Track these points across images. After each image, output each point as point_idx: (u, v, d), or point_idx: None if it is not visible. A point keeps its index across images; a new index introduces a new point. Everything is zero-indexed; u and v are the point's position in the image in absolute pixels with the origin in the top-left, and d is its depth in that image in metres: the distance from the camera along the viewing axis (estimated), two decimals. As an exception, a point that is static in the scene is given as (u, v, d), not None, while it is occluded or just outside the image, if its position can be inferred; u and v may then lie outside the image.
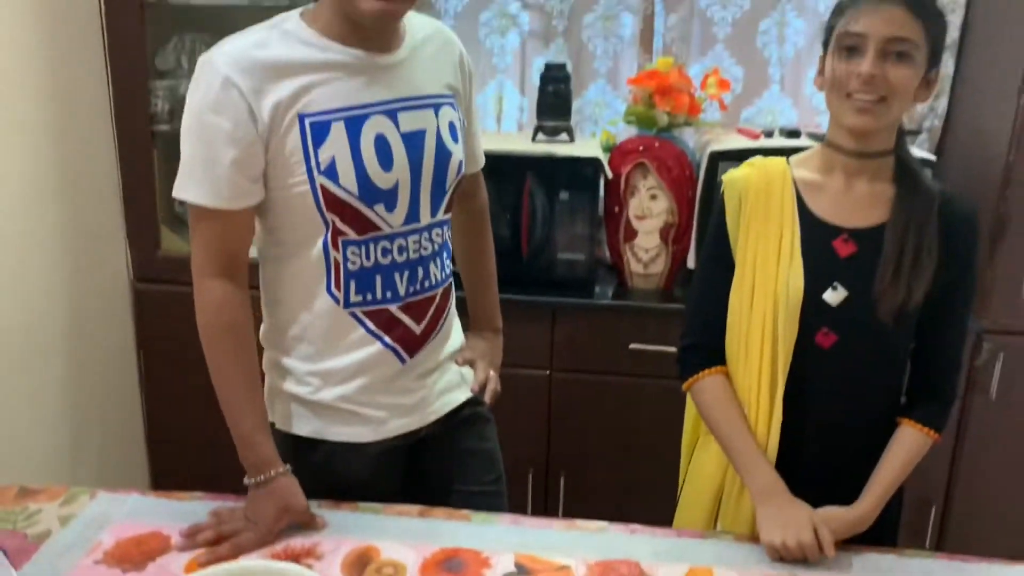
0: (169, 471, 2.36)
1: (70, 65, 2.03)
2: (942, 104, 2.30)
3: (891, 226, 1.25)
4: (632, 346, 2.07)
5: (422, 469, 1.44)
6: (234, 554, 1.19)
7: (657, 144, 2.10)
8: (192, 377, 2.18)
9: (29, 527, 1.24)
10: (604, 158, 2.12)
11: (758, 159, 1.37)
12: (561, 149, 2.12)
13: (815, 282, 1.28)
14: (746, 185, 1.33)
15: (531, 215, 2.10)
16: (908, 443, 1.31)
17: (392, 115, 1.25)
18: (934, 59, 1.24)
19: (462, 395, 1.45)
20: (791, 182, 1.32)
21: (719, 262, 1.36)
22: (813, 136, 2.11)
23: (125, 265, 2.23)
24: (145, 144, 2.13)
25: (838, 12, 1.26)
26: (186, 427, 2.26)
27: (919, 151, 2.17)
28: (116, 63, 2.08)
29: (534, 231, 2.11)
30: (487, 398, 1.50)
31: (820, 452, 1.32)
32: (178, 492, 1.34)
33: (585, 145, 2.20)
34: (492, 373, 1.52)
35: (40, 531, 1.23)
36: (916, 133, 2.31)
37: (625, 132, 2.28)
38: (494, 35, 2.41)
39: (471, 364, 1.49)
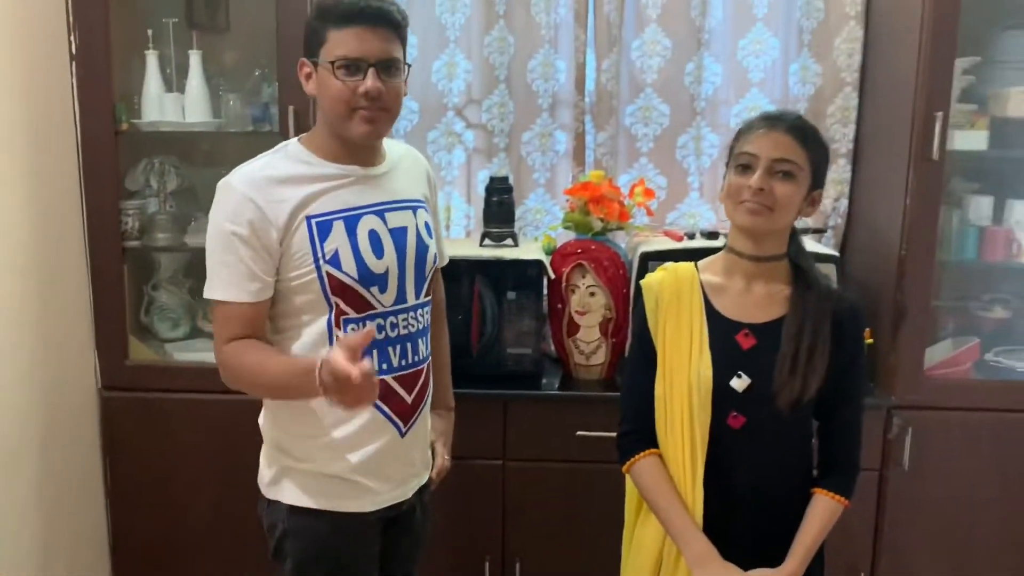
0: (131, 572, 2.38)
1: (48, 188, 2.16)
2: (843, 205, 2.57)
3: (787, 325, 1.45)
4: (579, 433, 2.20)
5: (390, 543, 1.58)
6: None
7: (593, 246, 2.30)
8: (157, 483, 2.26)
9: None
10: (546, 260, 2.30)
11: (670, 265, 1.59)
12: (507, 253, 2.31)
13: (722, 371, 1.46)
14: (660, 288, 1.54)
15: (481, 314, 2.26)
16: (821, 510, 1.49)
17: (381, 215, 1.51)
18: (816, 181, 1.47)
19: (427, 473, 1.66)
20: (699, 284, 1.53)
21: (643, 355, 1.55)
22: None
23: (94, 374, 2.31)
24: (116, 259, 2.24)
25: (737, 136, 1.50)
26: (149, 533, 2.31)
27: (825, 248, 2.41)
28: (90, 185, 2.22)
29: (484, 329, 2.27)
30: (435, 474, 1.71)
31: (745, 520, 1.49)
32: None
33: (528, 249, 2.38)
34: (446, 455, 1.75)
35: None
36: (822, 231, 2.56)
37: (564, 236, 2.47)
38: (442, 151, 2.61)
39: (432, 445, 1.68)
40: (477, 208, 2.62)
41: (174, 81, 2.31)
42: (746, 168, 1.44)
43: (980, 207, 2.31)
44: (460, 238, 2.63)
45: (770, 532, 1.49)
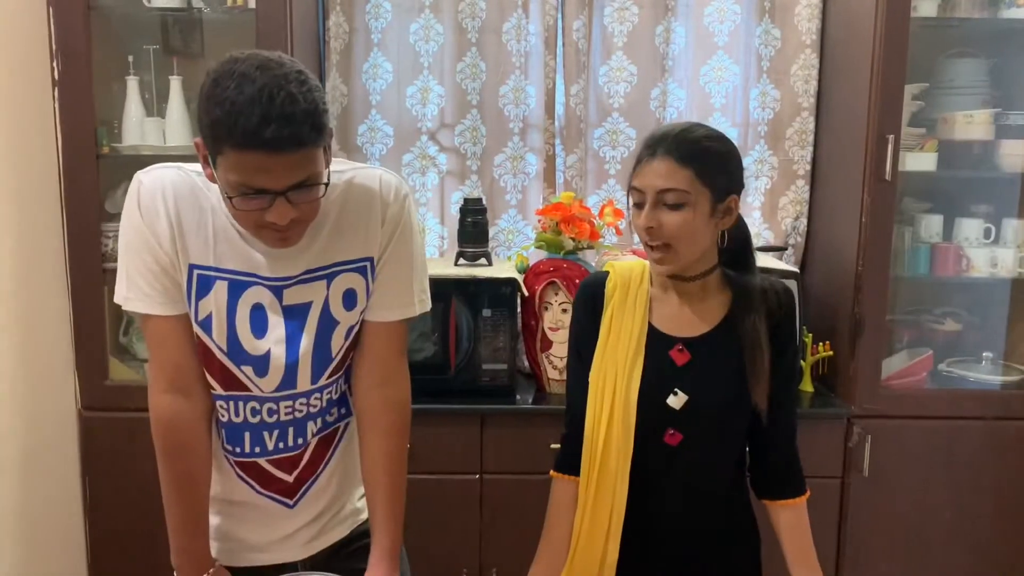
0: None
1: (30, 211, 2.19)
2: (802, 224, 2.68)
3: (728, 337, 1.40)
4: (553, 446, 2.22)
5: None
6: None
7: (565, 265, 2.37)
8: (135, 502, 2.28)
9: None
10: (520, 278, 2.37)
11: (621, 264, 1.50)
12: (481, 272, 2.37)
13: (658, 388, 1.40)
14: (615, 286, 1.46)
15: (457, 332, 2.33)
16: (796, 519, 1.46)
17: (277, 291, 1.28)
18: (721, 191, 1.34)
19: (345, 530, 1.48)
20: (647, 290, 1.44)
21: (580, 359, 1.48)
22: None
23: (74, 395, 2.33)
24: (96, 281, 2.27)
25: (634, 168, 1.38)
26: (128, 550, 2.33)
27: (786, 264, 2.52)
28: (71, 208, 2.25)
29: (460, 346, 2.33)
30: None
31: (672, 534, 1.46)
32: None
33: (502, 267, 2.45)
34: None
35: None
36: (783, 249, 2.67)
37: (536, 255, 2.55)
38: (416, 174, 2.68)
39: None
40: (451, 228, 2.69)
41: (154, 106, 2.36)
42: (638, 205, 1.36)
43: (931, 225, 2.43)
44: (434, 258, 2.70)
45: (696, 544, 1.48)
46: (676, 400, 1.39)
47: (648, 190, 1.33)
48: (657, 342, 1.42)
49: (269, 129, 1.07)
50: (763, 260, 2.47)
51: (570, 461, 1.47)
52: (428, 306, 1.40)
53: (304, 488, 1.40)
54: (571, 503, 1.47)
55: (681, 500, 1.43)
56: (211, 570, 1.36)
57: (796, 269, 2.47)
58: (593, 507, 1.44)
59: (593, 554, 1.44)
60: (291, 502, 1.40)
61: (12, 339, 2.14)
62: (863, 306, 2.30)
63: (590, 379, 1.44)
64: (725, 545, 1.48)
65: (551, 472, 1.51)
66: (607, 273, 1.48)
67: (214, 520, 1.41)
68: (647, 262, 1.45)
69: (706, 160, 1.33)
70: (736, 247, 1.43)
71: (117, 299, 1.30)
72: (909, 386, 2.40)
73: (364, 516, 1.48)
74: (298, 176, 1.13)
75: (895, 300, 2.46)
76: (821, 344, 2.43)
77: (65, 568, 2.36)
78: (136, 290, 1.27)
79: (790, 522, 1.45)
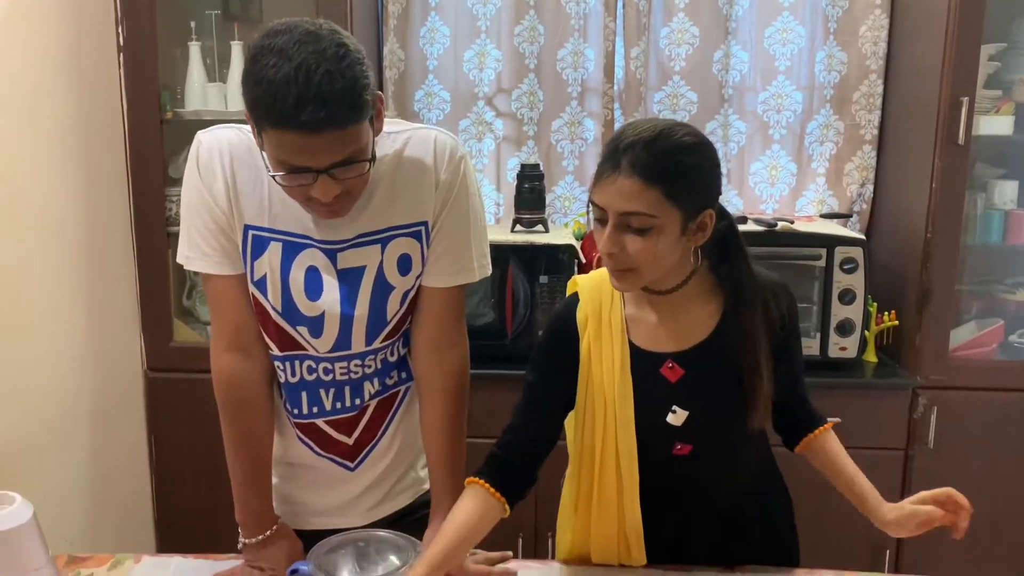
0: (172, 546, 2.40)
1: (97, 176, 2.23)
2: (868, 190, 2.61)
3: (725, 345, 1.27)
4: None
5: None
6: None
7: (623, 232, 2.35)
8: (198, 459, 2.34)
9: None
10: (577, 245, 2.36)
11: (588, 278, 1.35)
12: (538, 238, 2.36)
13: (654, 409, 1.28)
14: (588, 301, 1.32)
15: (513, 298, 2.32)
16: (835, 441, 1.40)
17: (331, 254, 1.27)
18: (695, 209, 1.18)
19: (408, 498, 1.48)
20: (620, 307, 1.31)
21: (556, 362, 1.33)
22: (759, 221, 2.38)
23: (140, 356, 2.38)
24: (161, 245, 2.30)
25: (596, 171, 1.21)
26: (190, 506, 2.39)
27: (852, 231, 2.46)
28: (136, 173, 2.28)
29: (517, 312, 2.33)
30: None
31: (700, 531, 1.39)
32: (215, 554, 1.49)
33: (559, 234, 2.44)
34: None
35: None
36: (847, 217, 2.61)
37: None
38: (472, 140, 2.66)
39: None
40: (506, 195, 2.68)
41: (216, 71, 2.38)
42: (600, 221, 1.20)
43: (1004, 191, 2.34)
44: (491, 225, 2.68)
45: (729, 536, 1.40)
46: (676, 417, 1.28)
47: (611, 210, 1.16)
48: (643, 362, 1.29)
49: (306, 111, 1.05)
50: (828, 227, 2.41)
51: (497, 478, 1.29)
52: (488, 271, 1.37)
53: (365, 452, 1.40)
54: (482, 514, 1.27)
55: (703, 497, 1.37)
56: (274, 527, 1.39)
57: (863, 236, 2.40)
58: (599, 530, 1.37)
59: (613, 546, 1.39)
60: (352, 464, 1.40)
61: (82, 303, 2.20)
62: (932, 274, 2.23)
63: (576, 411, 1.34)
64: (758, 515, 1.42)
65: (470, 479, 1.30)
66: (576, 301, 1.33)
67: (277, 483, 1.42)
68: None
69: (677, 177, 1.16)
70: (723, 245, 1.27)
71: (179, 259, 1.31)
72: (978, 357, 2.33)
73: (426, 486, 1.46)
74: (340, 155, 1.11)
75: (965, 269, 2.38)
76: (886, 313, 2.37)
77: (133, 522, 2.44)
78: (196, 250, 1.28)
79: (832, 445, 1.40)
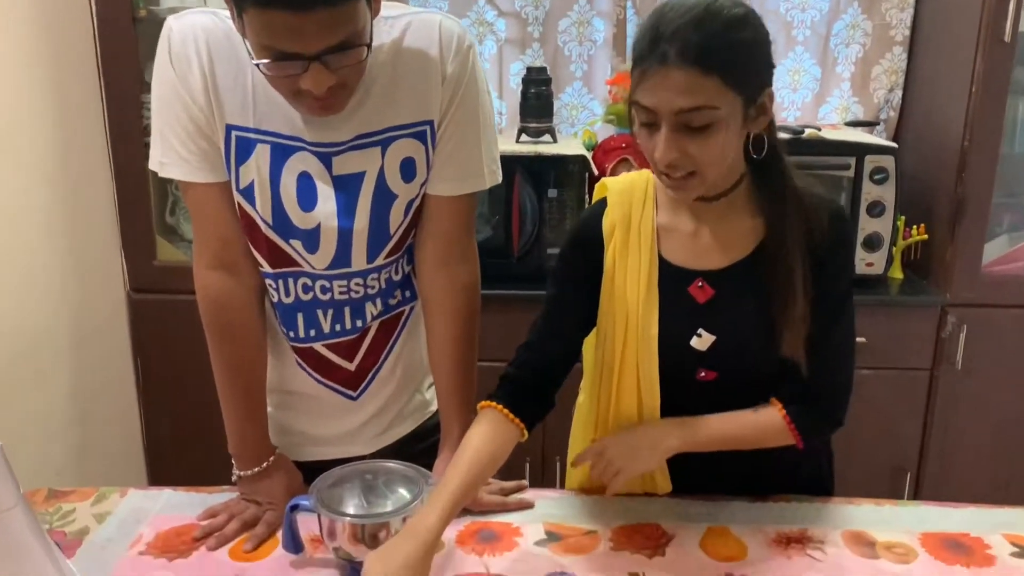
0: (165, 474, 2.37)
1: (66, 83, 2.05)
2: (897, 96, 2.45)
3: (761, 269, 1.14)
4: None
5: None
6: (267, 532, 1.23)
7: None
8: (187, 383, 2.23)
9: (65, 525, 1.27)
10: (588, 155, 2.20)
11: (617, 186, 1.21)
12: (547, 149, 2.20)
13: (679, 331, 1.18)
14: (617, 206, 1.19)
15: (520, 213, 2.18)
16: (759, 414, 1.20)
17: (325, 158, 1.14)
18: (756, 89, 1.05)
19: (414, 423, 1.39)
20: (652, 212, 1.18)
21: (579, 272, 1.22)
22: (784, 128, 2.22)
23: (121, 276, 2.25)
24: (138, 156, 2.13)
25: (633, 69, 1.05)
26: (181, 431, 2.29)
27: (880, 138, 2.31)
28: (109, 78, 2.10)
29: (524, 228, 2.19)
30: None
31: (724, 461, 1.26)
32: (208, 487, 1.39)
33: (568, 144, 2.28)
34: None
35: (78, 528, 1.26)
36: (874, 124, 2.45)
37: (604, 132, 2.37)
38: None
39: None
40: (510, 103, 2.51)
41: (192, -35, 2.17)
42: (649, 125, 1.04)
43: (1047, 95, 2.19)
44: (493, 135, 2.52)
45: (761, 465, 1.28)
46: (701, 342, 1.17)
47: (664, 111, 1.00)
48: (672, 278, 1.17)
49: None
50: (856, 136, 2.26)
51: (513, 402, 1.18)
52: (499, 177, 1.25)
53: (368, 378, 1.30)
54: (500, 441, 1.16)
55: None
56: (271, 458, 1.28)
57: (894, 144, 2.25)
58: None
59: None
60: (354, 393, 1.30)
61: (57, 223, 2.04)
62: (967, 185, 2.10)
63: (598, 327, 1.23)
64: (790, 461, 1.29)
65: (483, 403, 1.19)
66: (602, 207, 1.20)
67: (272, 412, 1.32)
68: (651, 177, 1.18)
69: (735, 58, 1.00)
70: (766, 154, 1.11)
71: (152, 165, 1.17)
72: (1010, 273, 2.21)
73: (433, 408, 1.39)
74: (333, 38, 0.97)
75: (996, 179, 2.24)
76: (915, 227, 2.24)
77: (122, 455, 2.34)
78: (172, 154, 1.14)
79: (751, 410, 1.20)
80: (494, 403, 1.17)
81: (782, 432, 1.19)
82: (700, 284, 1.17)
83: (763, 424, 1.20)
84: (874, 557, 1.20)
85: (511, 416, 1.17)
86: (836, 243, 1.14)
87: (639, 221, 1.18)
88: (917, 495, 2.23)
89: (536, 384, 1.22)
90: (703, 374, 1.20)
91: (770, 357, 1.17)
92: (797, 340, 1.13)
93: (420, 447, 1.37)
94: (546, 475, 2.28)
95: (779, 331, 1.13)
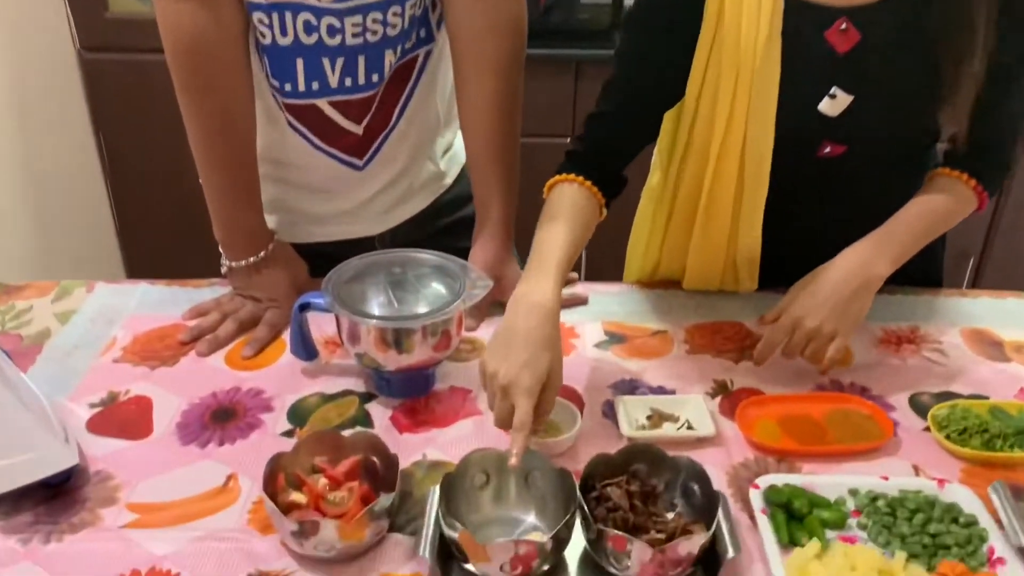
0: (143, 261, 2.18)
1: None
2: None
3: (926, 6, 0.88)
4: None
5: None
6: (270, 333, 1.04)
7: None
8: (160, 158, 1.96)
9: (21, 327, 1.06)
10: None
11: None
12: None
13: (807, 90, 0.94)
14: None
15: (546, -46, 1.84)
16: (936, 194, 0.97)
17: None
18: None
19: (428, 197, 1.18)
20: None
21: (671, 16, 0.95)
22: None
23: (70, 33, 1.93)
24: None
25: None
26: (157, 210, 2.08)
27: None
28: None
29: (550, -25, 1.86)
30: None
31: (825, 255, 0.99)
32: (192, 280, 1.16)
33: None
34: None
35: (37, 331, 1.05)
36: None
37: None
38: None
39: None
40: None
41: None
42: None
43: None
44: None
45: None
46: (833, 105, 0.94)
47: None
48: (802, 18, 0.92)
49: None
50: None
51: (591, 177, 0.96)
52: None
53: (377, 143, 1.08)
54: (590, 213, 0.96)
55: (844, 212, 1.02)
56: (270, 246, 1.05)
57: None
58: (701, 252, 1.07)
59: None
60: (360, 162, 1.09)
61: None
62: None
63: (690, 93, 0.97)
64: None
65: (555, 179, 0.97)
66: None
67: (264, 188, 1.07)
68: None
69: None
70: None
71: None
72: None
73: (448, 181, 1.20)
74: None
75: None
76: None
77: (94, 246, 2.13)
78: None
79: (926, 192, 0.97)
80: (572, 175, 0.95)
81: (968, 201, 0.97)
82: (843, 26, 0.91)
83: (952, 202, 0.96)
84: (1003, 360, 1.03)
85: (594, 189, 0.95)
86: None
87: None
88: (977, 283, 2.06)
89: (610, 162, 0.99)
90: (828, 149, 0.97)
91: (920, 125, 0.95)
92: (966, 101, 0.89)
93: (435, 228, 1.18)
94: (595, 267, 2.07)
95: (945, 89, 0.89)
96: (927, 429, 0.89)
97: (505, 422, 0.78)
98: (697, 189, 1.02)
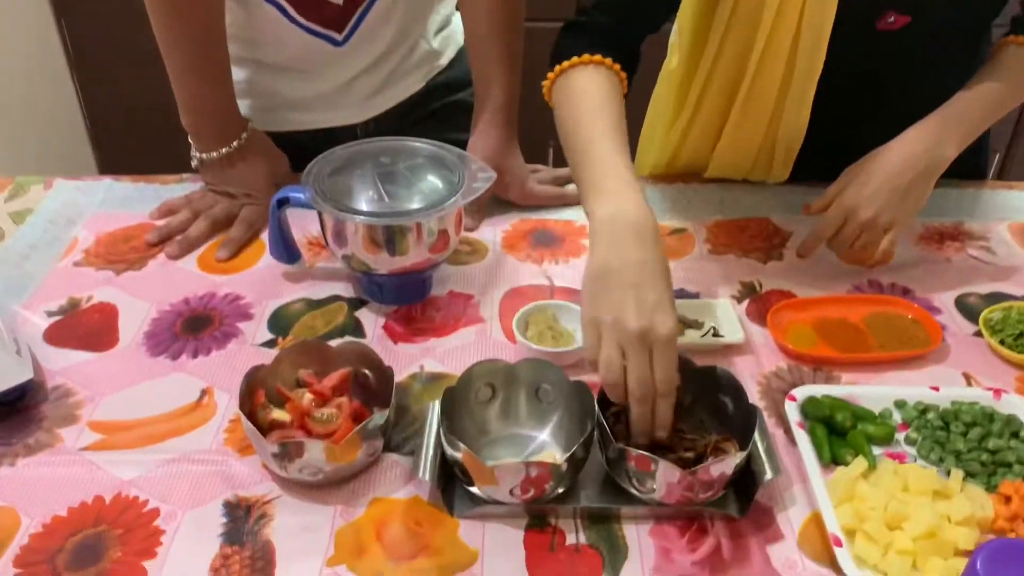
0: (116, 155, 2.04)
1: None
2: None
3: None
4: None
5: None
6: (247, 232, 0.94)
7: None
8: (129, 47, 1.80)
9: None
10: None
11: None
12: None
13: None
14: None
15: None
16: (1003, 61, 0.85)
17: None
18: None
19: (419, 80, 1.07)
20: None
21: None
22: None
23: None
24: None
25: None
26: (128, 101, 1.93)
27: None
28: None
29: None
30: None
31: (867, 142, 0.88)
32: (161, 175, 1.05)
33: None
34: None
35: None
36: None
37: None
38: None
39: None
40: None
41: None
42: None
43: None
44: None
45: None
46: None
47: None
48: None
49: None
50: None
51: (607, 49, 0.81)
52: None
53: (358, 14, 0.97)
54: (618, 94, 0.80)
55: (899, 92, 0.92)
56: (244, 135, 0.94)
57: None
58: (737, 135, 0.95)
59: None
60: (339, 37, 0.98)
61: None
62: None
63: None
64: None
65: (575, 59, 0.80)
66: None
67: (235, 70, 0.95)
68: None
69: None
70: None
71: None
72: None
73: (444, 61, 1.09)
74: None
75: None
76: None
77: (65, 141, 1.98)
78: None
79: (993, 65, 0.86)
80: (598, 55, 0.80)
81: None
82: None
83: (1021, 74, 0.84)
84: (1056, 258, 0.92)
85: (616, 67, 0.81)
86: None
87: None
88: (1002, 178, 1.96)
89: (623, 33, 0.86)
90: (891, 19, 0.85)
91: None
92: None
93: (424, 113, 1.08)
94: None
95: None
96: (978, 334, 0.80)
97: (646, 383, 0.61)
98: (740, 66, 0.89)
